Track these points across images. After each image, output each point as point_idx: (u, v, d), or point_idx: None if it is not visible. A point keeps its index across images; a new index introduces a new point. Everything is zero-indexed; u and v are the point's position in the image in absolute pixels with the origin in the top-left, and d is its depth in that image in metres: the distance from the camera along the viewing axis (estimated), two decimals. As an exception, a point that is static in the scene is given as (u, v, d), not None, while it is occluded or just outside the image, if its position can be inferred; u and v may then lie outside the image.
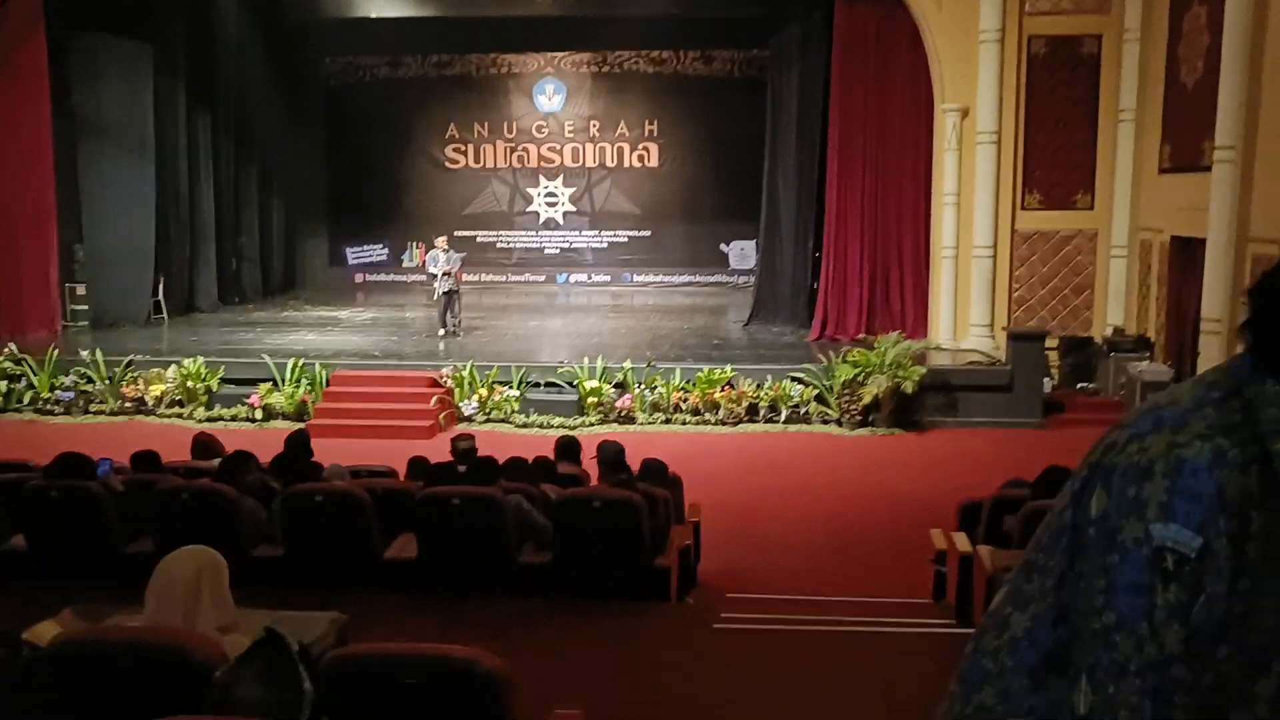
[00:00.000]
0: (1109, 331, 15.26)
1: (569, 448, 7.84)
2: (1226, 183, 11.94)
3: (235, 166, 21.36)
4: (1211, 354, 12.21)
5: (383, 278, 24.59)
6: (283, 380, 14.47)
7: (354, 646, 3.62)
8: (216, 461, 8.05)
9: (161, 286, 18.93)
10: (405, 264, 24.44)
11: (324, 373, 14.63)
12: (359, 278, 24.77)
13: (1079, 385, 14.99)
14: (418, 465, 7.88)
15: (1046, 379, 14.57)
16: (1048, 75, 15.48)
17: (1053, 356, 15.08)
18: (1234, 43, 11.79)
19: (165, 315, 18.91)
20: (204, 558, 3.19)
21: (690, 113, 23.68)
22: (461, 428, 14.33)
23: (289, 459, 8.11)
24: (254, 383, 14.58)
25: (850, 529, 9.92)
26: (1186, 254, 13.44)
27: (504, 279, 24.39)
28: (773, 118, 18.13)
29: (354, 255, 24.86)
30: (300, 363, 14.65)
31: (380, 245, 24.73)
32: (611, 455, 7.12)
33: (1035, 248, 15.78)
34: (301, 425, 12.17)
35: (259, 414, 14.28)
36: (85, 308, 18.47)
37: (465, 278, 24.04)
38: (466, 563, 5.69)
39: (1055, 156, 15.62)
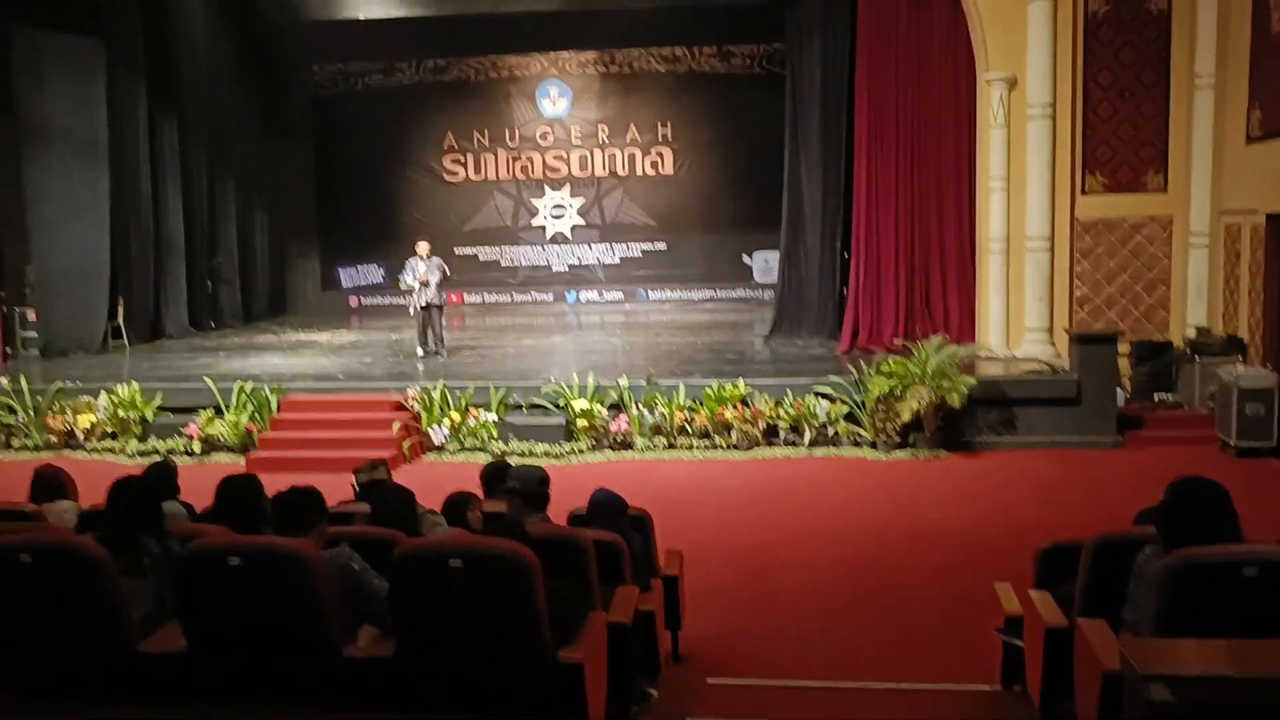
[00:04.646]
0: (1191, 333, 12.97)
1: (495, 475, 5.71)
2: (1341, 142, 9.72)
3: (209, 179, 19.48)
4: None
5: (378, 300, 22.58)
6: (226, 407, 12.51)
7: None
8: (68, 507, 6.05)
9: (120, 310, 17.08)
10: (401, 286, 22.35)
11: (274, 398, 12.66)
12: (353, 301, 22.84)
13: (1157, 396, 12.72)
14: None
15: (1118, 390, 12.29)
16: (1110, 37, 13.27)
17: (1124, 365, 12.80)
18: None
19: (125, 341, 17.03)
20: None
21: (707, 113, 21.65)
22: (430, 459, 12.37)
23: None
24: (197, 410, 12.67)
25: (885, 581, 7.69)
26: (1288, 235, 11.18)
27: (509, 299, 22.43)
28: (793, 106, 15.99)
29: (348, 277, 22.94)
30: (248, 387, 12.70)
31: (375, 265, 22.78)
32: (532, 484, 4.99)
33: (1099, 238, 13.51)
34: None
35: (197, 446, 12.32)
36: (34, 334, 16.64)
37: (466, 299, 22.24)
38: (258, 656, 3.59)
39: (1120, 132, 13.38)
